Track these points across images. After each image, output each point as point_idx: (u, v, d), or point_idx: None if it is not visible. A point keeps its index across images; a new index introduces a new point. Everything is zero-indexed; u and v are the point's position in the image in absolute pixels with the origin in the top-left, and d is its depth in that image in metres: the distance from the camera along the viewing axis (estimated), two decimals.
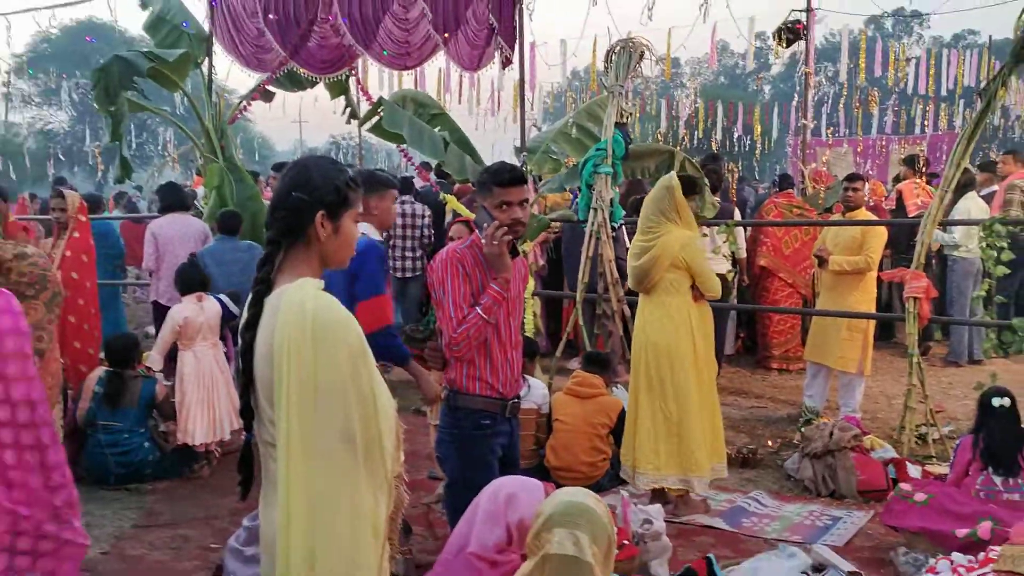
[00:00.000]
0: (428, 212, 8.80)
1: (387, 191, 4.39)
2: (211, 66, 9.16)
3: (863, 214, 6.77)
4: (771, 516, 4.92)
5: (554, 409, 5.35)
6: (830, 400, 6.81)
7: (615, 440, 5.19)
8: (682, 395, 4.78)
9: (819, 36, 16.82)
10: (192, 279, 5.92)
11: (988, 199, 8.62)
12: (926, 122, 20.65)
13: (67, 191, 6.35)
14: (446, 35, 8.06)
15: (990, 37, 20.86)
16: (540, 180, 8.45)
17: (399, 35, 8.25)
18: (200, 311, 5.80)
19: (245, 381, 2.12)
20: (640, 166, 8.04)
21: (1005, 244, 6.04)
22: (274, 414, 2.00)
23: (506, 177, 3.34)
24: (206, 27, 9.06)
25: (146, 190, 20.07)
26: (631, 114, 8.24)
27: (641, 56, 6.93)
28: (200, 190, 10.69)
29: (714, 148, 20.50)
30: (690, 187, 4.89)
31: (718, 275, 7.43)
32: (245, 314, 2.12)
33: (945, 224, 7.35)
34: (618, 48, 6.93)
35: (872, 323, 6.62)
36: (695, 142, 23.78)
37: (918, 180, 9.49)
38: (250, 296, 2.13)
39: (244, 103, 9.76)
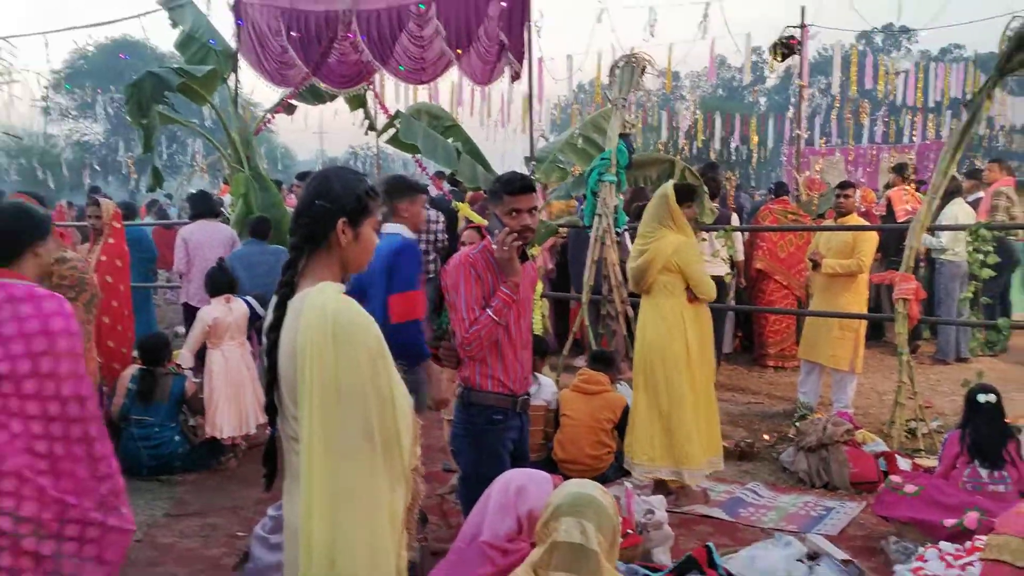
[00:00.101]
0: (442, 218, 8.79)
1: (417, 195, 4.44)
2: (237, 81, 9.21)
3: (854, 219, 6.75)
4: (768, 506, 4.91)
5: (561, 405, 5.35)
6: (823, 396, 6.78)
7: (619, 434, 5.19)
8: (674, 392, 4.77)
9: (812, 51, 16.76)
10: (221, 282, 5.93)
11: (974, 205, 8.59)
12: (914, 132, 20.56)
13: (102, 199, 6.39)
14: (459, 51, 8.07)
15: (975, 51, 20.77)
16: (547, 188, 8.46)
17: (414, 51, 8.27)
18: (228, 312, 5.82)
19: (270, 379, 2.12)
20: (642, 175, 8.05)
21: (990, 248, 6.01)
22: (297, 411, 2.00)
23: (516, 186, 3.35)
24: (233, 45, 9.11)
25: (176, 198, 20.15)
26: (634, 125, 8.24)
27: (643, 70, 6.93)
28: (227, 198, 10.71)
29: (713, 157, 20.42)
30: (687, 194, 4.87)
31: (716, 277, 7.50)
32: (270, 316, 2.13)
33: (933, 229, 7.32)
34: (621, 63, 6.94)
35: (863, 323, 6.59)
36: (695, 151, 23.73)
37: (907, 187, 9.44)
38: (274, 299, 2.14)
39: (268, 116, 9.80)
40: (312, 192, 2.17)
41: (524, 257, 3.43)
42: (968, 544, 3.57)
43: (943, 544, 3.66)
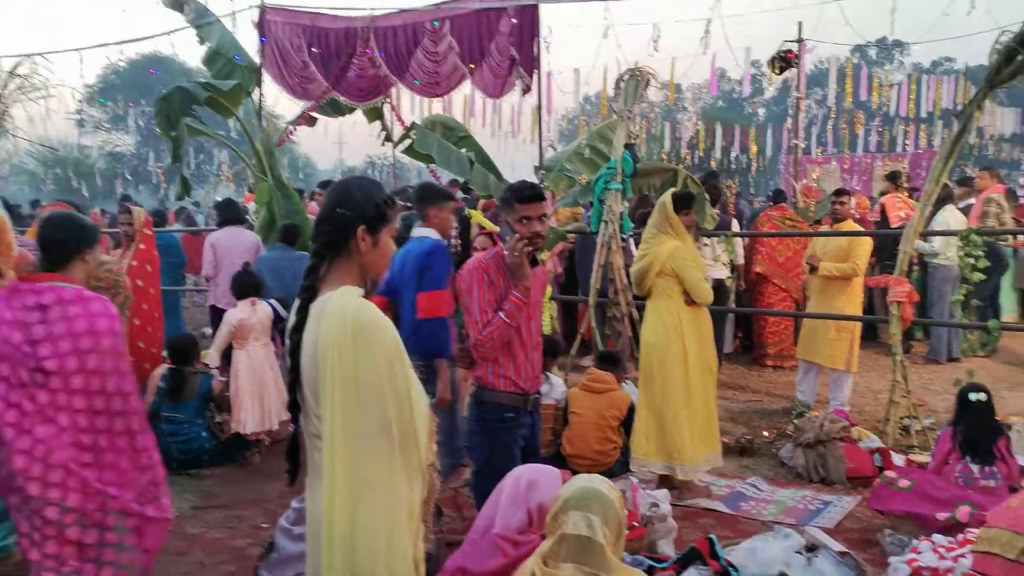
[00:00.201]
0: (455, 225, 8.80)
1: (446, 202, 4.49)
2: (261, 95, 9.25)
3: (849, 225, 6.71)
4: (767, 500, 4.89)
5: (570, 402, 5.35)
6: (820, 395, 6.75)
7: (625, 431, 5.18)
8: (670, 390, 4.76)
9: (809, 64, 16.69)
10: (246, 285, 5.95)
11: (965, 211, 8.54)
12: (907, 141, 20.46)
13: (134, 207, 6.42)
14: (471, 66, 8.09)
15: (966, 64, 20.69)
16: (555, 196, 8.45)
17: (429, 66, 8.29)
18: (253, 314, 5.83)
19: (293, 378, 2.12)
20: (646, 183, 8.04)
21: (981, 253, 5.98)
22: (319, 409, 2.00)
23: (526, 194, 3.35)
24: (257, 60, 9.16)
25: (203, 205, 20.23)
26: (638, 136, 8.22)
27: (647, 83, 6.92)
28: (251, 205, 10.76)
29: (713, 166, 20.36)
30: (684, 202, 4.87)
31: (718, 280, 7.49)
32: (292, 318, 2.14)
33: (925, 234, 7.28)
34: (626, 76, 6.93)
35: (858, 324, 6.56)
36: (696, 160, 23.69)
37: (900, 194, 9.39)
38: (297, 302, 2.15)
39: (290, 127, 9.83)
40: (333, 201, 2.17)
41: (534, 262, 3.43)
42: (960, 537, 3.54)
43: (936, 537, 3.63)
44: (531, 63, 7.92)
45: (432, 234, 4.34)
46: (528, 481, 2.72)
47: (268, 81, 9.22)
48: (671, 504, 4.16)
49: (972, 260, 5.95)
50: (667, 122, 22.31)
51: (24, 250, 4.16)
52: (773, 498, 4.92)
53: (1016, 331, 8.81)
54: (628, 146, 6.76)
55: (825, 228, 7.06)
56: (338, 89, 8.86)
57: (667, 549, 3.85)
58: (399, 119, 9.73)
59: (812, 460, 5.22)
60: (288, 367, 2.14)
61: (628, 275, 6.31)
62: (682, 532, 4.12)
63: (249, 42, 9.25)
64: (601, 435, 5.18)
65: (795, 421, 5.85)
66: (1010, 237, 8.53)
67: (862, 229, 7.46)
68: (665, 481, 4.85)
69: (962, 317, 6.63)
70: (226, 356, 5.92)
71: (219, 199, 9.73)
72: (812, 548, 3.52)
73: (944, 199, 7.85)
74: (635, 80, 6.86)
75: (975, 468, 4.16)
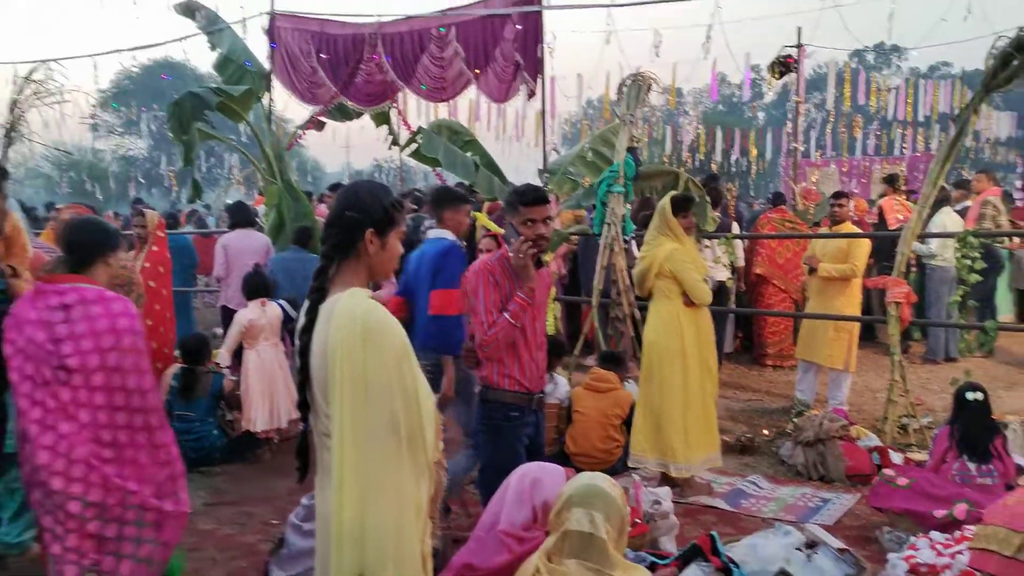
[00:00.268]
0: None
1: (461, 205, 4.52)
2: (271, 99, 9.28)
3: (848, 227, 6.70)
4: (768, 498, 4.88)
5: (573, 401, 5.35)
6: (819, 394, 6.73)
7: (628, 429, 5.18)
8: (667, 389, 4.76)
9: (808, 68, 16.67)
10: (256, 286, 5.96)
11: (962, 213, 8.52)
12: (905, 145, 20.42)
13: (147, 210, 6.43)
14: (477, 71, 8.10)
15: (963, 69, 20.63)
16: (559, 199, 8.44)
17: (435, 72, 8.31)
18: (263, 314, 5.84)
19: (302, 378, 2.13)
20: (648, 186, 8.03)
21: (977, 254, 5.96)
22: (329, 408, 2.01)
23: (530, 197, 3.36)
24: (267, 66, 9.19)
25: (214, 208, 20.25)
26: (640, 140, 8.22)
27: (649, 88, 6.91)
28: (261, 208, 10.78)
29: (714, 169, 20.34)
30: (682, 205, 4.86)
31: (719, 282, 7.47)
32: (302, 319, 2.14)
33: (923, 236, 7.26)
34: (629, 81, 6.92)
35: (857, 324, 6.55)
36: (697, 164, 23.66)
37: (898, 197, 9.37)
38: (306, 303, 2.15)
39: (299, 131, 9.86)
40: (342, 204, 2.18)
41: (539, 264, 3.43)
42: (957, 534, 3.54)
43: (934, 534, 3.62)
44: (535, 68, 7.93)
45: (448, 235, 4.39)
46: (533, 479, 2.72)
47: (278, 86, 9.26)
48: (673, 501, 4.15)
49: (969, 262, 5.93)
50: (669, 126, 22.29)
51: (40, 251, 4.19)
52: (773, 496, 4.91)
53: (1013, 331, 8.77)
54: (630, 150, 6.76)
55: (824, 230, 7.05)
56: (346, 94, 8.89)
57: (669, 546, 3.85)
58: (406, 123, 9.75)
59: (812, 458, 5.21)
60: (298, 367, 2.15)
61: (630, 276, 6.32)
62: (684, 529, 4.12)
63: (259, 48, 9.30)
64: (604, 433, 5.18)
65: (795, 420, 5.83)
66: (1006, 239, 8.51)
67: (860, 231, 7.45)
68: (667, 479, 4.84)
69: (959, 318, 6.61)
70: (237, 355, 5.93)
71: (229, 202, 9.76)
72: (812, 545, 3.51)
73: (941, 201, 7.83)
74: (637, 85, 6.85)
75: (972, 466, 4.15)
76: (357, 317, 1.99)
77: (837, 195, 6.91)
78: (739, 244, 8.05)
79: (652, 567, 3.29)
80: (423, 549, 2.09)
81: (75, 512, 2.73)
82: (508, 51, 7.88)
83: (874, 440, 5.44)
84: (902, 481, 4.19)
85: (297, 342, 2.15)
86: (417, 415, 2.04)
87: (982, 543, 3.22)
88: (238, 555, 4.14)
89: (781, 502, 4.81)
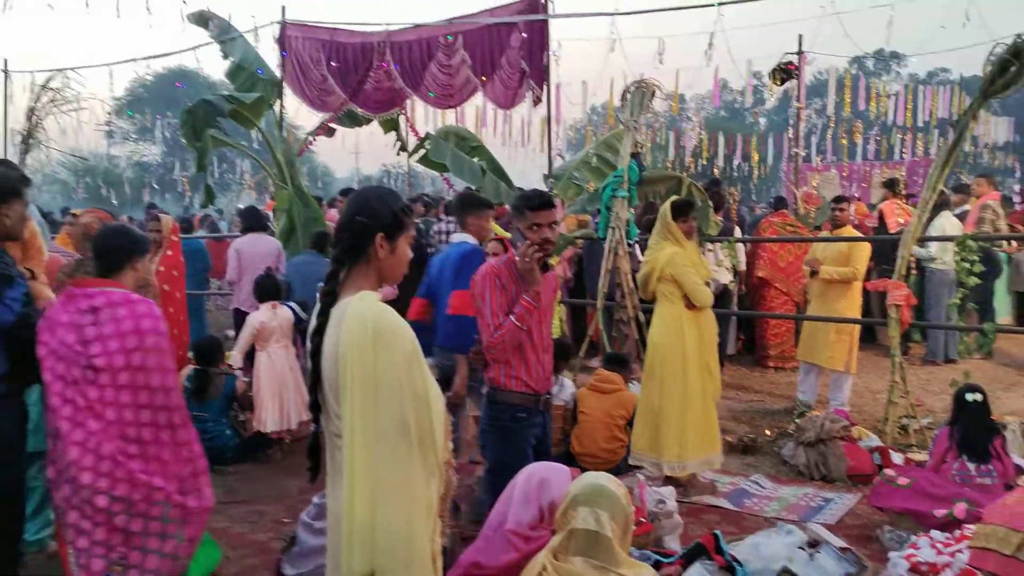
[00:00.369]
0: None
1: (483, 211, 4.56)
2: (282, 106, 9.31)
3: (849, 231, 6.70)
4: (770, 497, 4.87)
5: (579, 402, 5.34)
6: (821, 395, 6.72)
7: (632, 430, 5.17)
8: (667, 391, 4.76)
9: (809, 75, 16.65)
10: (268, 289, 5.98)
11: (961, 217, 8.49)
12: (904, 150, 20.35)
13: (162, 215, 6.46)
14: (483, 78, 8.11)
15: (961, 75, 20.52)
16: (564, 203, 8.45)
17: (443, 79, 8.32)
18: (274, 317, 5.86)
19: (314, 380, 2.13)
20: (652, 190, 8.03)
21: (976, 258, 5.94)
22: (340, 409, 2.01)
23: (536, 202, 3.36)
24: (278, 73, 9.21)
25: (226, 213, 20.32)
26: (644, 145, 8.22)
27: (652, 94, 6.92)
28: (271, 213, 10.81)
29: (716, 174, 20.35)
30: (683, 209, 4.86)
31: (722, 285, 7.46)
32: (313, 322, 2.14)
33: (923, 240, 7.24)
34: (632, 88, 6.93)
35: (857, 326, 6.53)
36: (700, 168, 23.60)
37: (898, 201, 9.34)
38: (317, 306, 2.16)
39: (310, 138, 9.88)
40: (353, 209, 2.18)
41: (545, 267, 3.44)
42: (957, 533, 3.53)
43: (934, 533, 3.62)
44: (541, 75, 7.94)
45: (470, 239, 4.46)
46: (540, 479, 2.72)
47: (288, 94, 9.28)
48: (677, 501, 4.14)
49: (968, 265, 5.91)
50: (672, 132, 22.21)
51: (56, 255, 4.22)
52: (776, 495, 4.90)
53: (1011, 333, 8.74)
54: (634, 155, 6.77)
55: (825, 234, 7.04)
56: (355, 101, 8.91)
57: (673, 544, 3.85)
58: (413, 130, 9.76)
59: (813, 458, 5.20)
60: (309, 369, 2.15)
61: (634, 279, 6.32)
62: (688, 528, 4.12)
63: (270, 56, 9.32)
64: (609, 434, 5.17)
65: (796, 420, 5.82)
66: (1004, 242, 8.47)
67: (861, 235, 7.43)
68: (671, 479, 4.84)
69: (958, 320, 6.59)
70: (249, 357, 5.94)
71: (241, 206, 9.80)
72: (814, 544, 3.50)
73: (940, 206, 7.80)
74: (641, 91, 6.86)
75: (972, 466, 4.14)
76: (368, 320, 1.99)
77: (838, 199, 6.90)
78: (741, 248, 8.04)
79: (657, 565, 3.29)
80: (433, 548, 2.08)
81: (103, 506, 2.80)
82: (514, 59, 7.89)
83: (875, 441, 5.43)
84: (903, 481, 4.18)
85: (309, 344, 2.16)
86: (427, 416, 2.04)
87: (982, 542, 3.21)
88: (250, 553, 4.16)
89: (784, 502, 4.80)
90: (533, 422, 3.44)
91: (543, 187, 7.94)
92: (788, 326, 8.30)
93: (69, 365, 2.85)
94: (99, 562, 2.81)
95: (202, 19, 9.36)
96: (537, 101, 8.11)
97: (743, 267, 8.14)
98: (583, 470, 2.75)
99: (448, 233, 8.72)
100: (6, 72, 11.67)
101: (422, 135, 9.09)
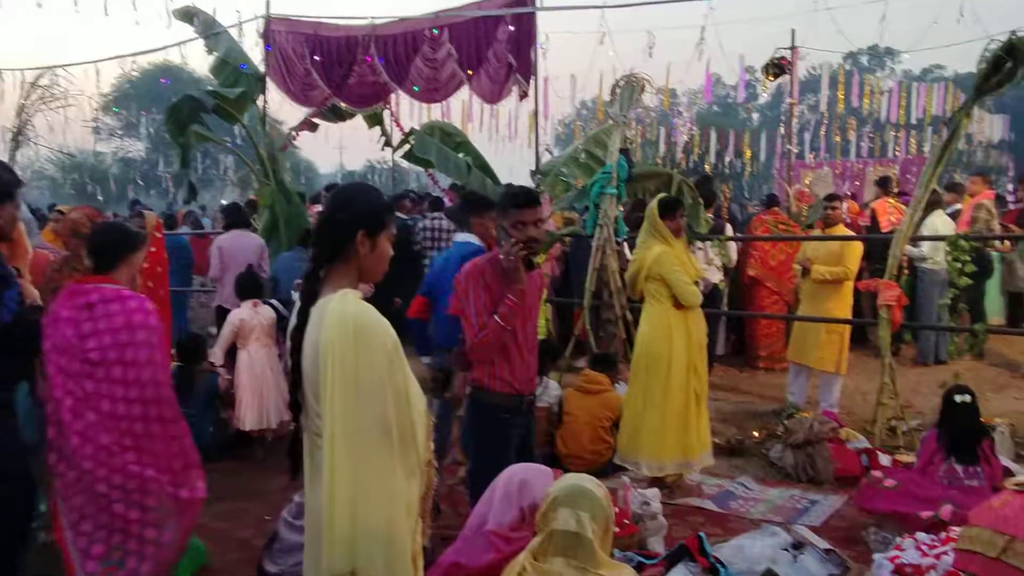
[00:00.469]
0: (454, 227, 8.81)
1: (488, 211, 4.59)
2: (265, 101, 9.28)
3: (841, 230, 6.73)
4: (756, 499, 4.91)
5: (564, 403, 5.36)
6: (810, 396, 6.76)
7: (617, 431, 5.19)
8: (649, 390, 4.80)
9: (802, 70, 16.71)
10: (249, 287, 5.98)
11: (953, 217, 8.54)
12: (898, 147, 20.47)
13: (146, 211, 6.46)
14: (470, 72, 8.10)
15: (955, 72, 20.70)
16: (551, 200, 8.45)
17: (428, 73, 8.31)
18: (255, 315, 5.86)
19: (294, 378, 2.14)
20: (641, 187, 8.05)
21: (968, 258, 5.98)
22: (320, 408, 2.02)
23: (521, 200, 3.36)
24: (261, 68, 9.18)
25: (208, 209, 20.21)
26: (633, 141, 8.25)
27: (642, 89, 6.93)
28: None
29: (708, 170, 20.34)
30: (670, 208, 4.88)
31: (712, 284, 7.49)
32: (293, 320, 2.16)
33: (915, 239, 7.28)
34: (622, 82, 6.94)
35: (848, 327, 6.57)
36: (691, 165, 23.62)
37: (891, 199, 9.40)
38: (297, 304, 2.17)
39: (293, 133, 9.86)
40: (333, 206, 2.20)
41: (530, 266, 3.43)
42: (943, 535, 3.56)
43: (920, 535, 3.64)
44: (528, 69, 7.93)
45: (474, 240, 4.50)
46: (521, 480, 2.74)
47: (272, 88, 9.26)
48: (662, 503, 4.17)
49: (960, 265, 5.95)
50: (662, 127, 22.28)
51: (44, 251, 4.23)
52: (762, 497, 4.94)
53: (1002, 334, 8.80)
54: (623, 151, 6.78)
55: (817, 232, 7.07)
56: (339, 95, 8.89)
57: (657, 546, 3.87)
58: (398, 124, 9.76)
59: (801, 460, 5.23)
60: (290, 367, 2.16)
61: (622, 278, 6.34)
62: (672, 530, 4.14)
63: (255, 52, 9.30)
64: (594, 435, 5.20)
65: (785, 422, 5.84)
66: (997, 242, 8.53)
67: (853, 234, 7.48)
68: (657, 480, 4.86)
69: (949, 320, 6.64)
70: (232, 355, 5.94)
71: (225, 202, 9.79)
72: (799, 546, 3.54)
73: (933, 204, 7.85)
74: (631, 86, 6.87)
75: (959, 468, 4.17)
76: (348, 318, 2.01)
77: (830, 197, 6.93)
78: (732, 246, 8.06)
79: (639, 567, 3.31)
80: (413, 548, 2.10)
81: (102, 492, 2.95)
82: (501, 52, 7.88)
83: (863, 442, 5.46)
84: (889, 482, 4.22)
85: (289, 342, 2.17)
86: (408, 415, 2.06)
87: (967, 544, 3.24)
88: (232, 549, 4.19)
89: (770, 503, 4.83)
90: (516, 423, 3.45)
91: (530, 183, 7.95)
92: (778, 326, 8.33)
93: (69, 359, 2.99)
94: (99, 547, 2.96)
95: (187, 15, 9.34)
96: (524, 95, 8.10)
97: (732, 264, 8.16)
98: (567, 471, 2.77)
99: (444, 231, 8.75)
100: None
101: (407, 130, 9.08)
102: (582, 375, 5.53)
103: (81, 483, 2.97)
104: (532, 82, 8.01)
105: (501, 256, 3.33)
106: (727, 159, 23.45)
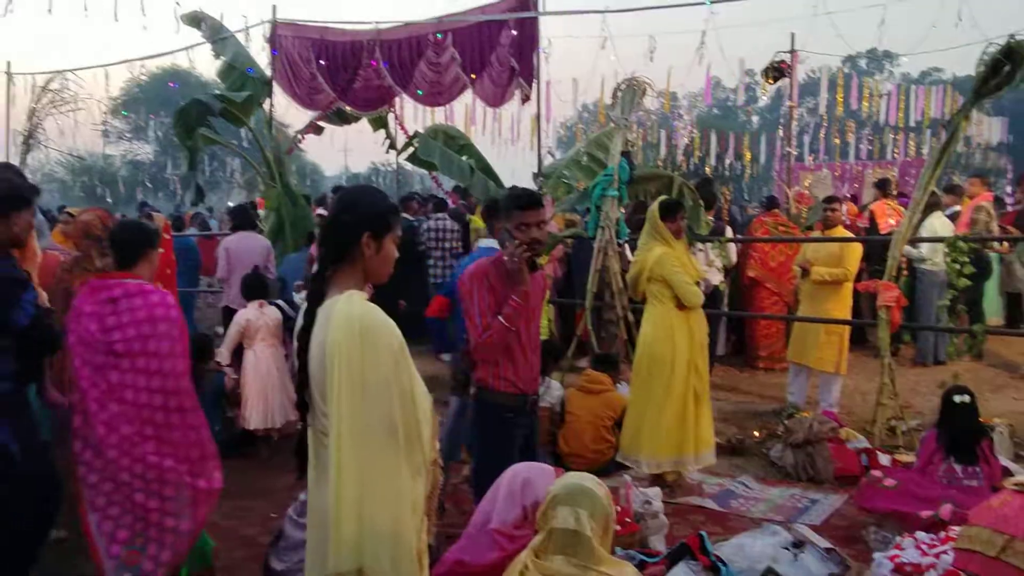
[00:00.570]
0: (458, 228, 8.83)
1: None
2: (272, 105, 9.30)
3: (840, 231, 6.72)
4: (757, 498, 4.90)
5: (567, 402, 5.36)
6: (810, 396, 6.74)
7: (619, 430, 5.19)
8: (651, 392, 4.81)
9: (801, 73, 16.64)
10: (255, 288, 5.98)
11: (952, 218, 8.52)
12: (897, 150, 20.41)
13: (154, 213, 6.48)
14: (473, 76, 8.10)
15: (954, 75, 20.66)
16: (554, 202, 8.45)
17: (432, 77, 8.32)
18: (260, 315, 5.86)
19: (301, 379, 2.15)
20: (643, 189, 8.05)
21: (966, 259, 5.97)
22: (327, 408, 2.02)
23: (524, 201, 3.36)
24: (268, 72, 9.20)
25: (216, 210, 20.23)
26: (634, 143, 8.24)
27: (644, 92, 6.93)
28: (261, 212, 10.79)
29: (708, 172, 20.30)
30: (671, 210, 4.88)
31: (712, 285, 7.48)
32: (300, 321, 2.16)
33: (914, 241, 7.27)
34: (623, 86, 6.94)
35: (847, 327, 6.56)
36: (692, 167, 23.58)
37: (890, 201, 9.37)
38: (304, 305, 2.17)
39: (299, 136, 9.87)
40: (339, 209, 2.20)
41: (534, 267, 3.44)
42: (942, 534, 3.55)
43: (919, 534, 3.63)
44: (530, 73, 7.93)
45: (496, 244, 4.50)
46: (524, 479, 2.74)
47: (278, 92, 9.27)
48: (663, 501, 4.17)
49: (958, 266, 5.94)
50: (663, 130, 22.23)
51: (54, 252, 4.25)
52: (763, 496, 4.93)
53: (1000, 335, 8.78)
54: (625, 153, 6.78)
55: (817, 234, 7.06)
56: (344, 99, 8.91)
57: (659, 545, 3.87)
58: (402, 128, 9.77)
59: (801, 460, 5.22)
60: (296, 367, 2.16)
61: (624, 279, 6.33)
62: (673, 528, 4.14)
63: (261, 55, 9.32)
64: (596, 434, 5.19)
65: (785, 422, 5.83)
66: (996, 244, 8.51)
67: (852, 235, 7.46)
68: (658, 479, 4.86)
69: (948, 321, 6.62)
70: (239, 355, 5.94)
71: (231, 204, 9.81)
72: (799, 544, 3.53)
73: (932, 206, 7.83)
74: (632, 89, 6.87)
75: (958, 468, 4.16)
76: (354, 318, 2.01)
77: (830, 199, 6.93)
78: (732, 247, 8.05)
79: (641, 565, 3.30)
80: (419, 546, 2.10)
81: (125, 480, 3.04)
82: (504, 56, 7.89)
83: (863, 442, 5.45)
84: (889, 482, 4.21)
85: (295, 343, 2.16)
86: (413, 415, 2.06)
87: (966, 543, 3.23)
88: (238, 546, 4.21)
89: (770, 503, 4.82)
90: (520, 422, 3.45)
91: (533, 185, 7.94)
92: (778, 327, 8.31)
93: (94, 352, 3.10)
94: (124, 532, 3.06)
95: (195, 20, 9.36)
96: (526, 99, 8.10)
97: (732, 264, 8.15)
98: (569, 470, 2.77)
99: (448, 231, 8.76)
100: (9, 74, 11.65)
101: (411, 133, 9.09)
102: (584, 375, 5.52)
103: (108, 471, 3.07)
104: (534, 86, 8.01)
105: (505, 257, 3.33)
106: (727, 161, 23.41)
